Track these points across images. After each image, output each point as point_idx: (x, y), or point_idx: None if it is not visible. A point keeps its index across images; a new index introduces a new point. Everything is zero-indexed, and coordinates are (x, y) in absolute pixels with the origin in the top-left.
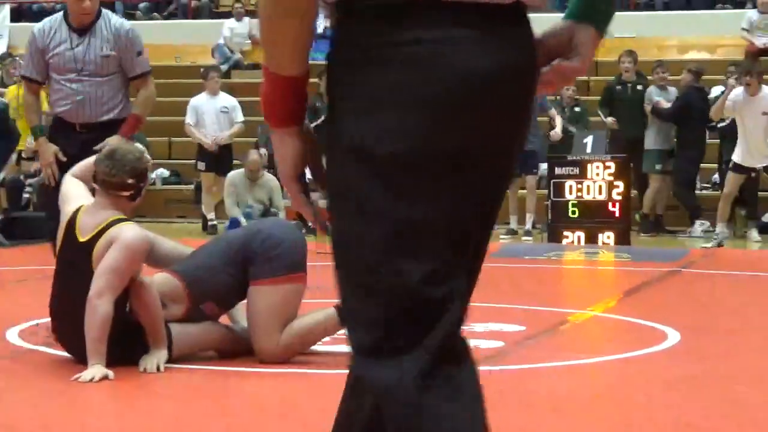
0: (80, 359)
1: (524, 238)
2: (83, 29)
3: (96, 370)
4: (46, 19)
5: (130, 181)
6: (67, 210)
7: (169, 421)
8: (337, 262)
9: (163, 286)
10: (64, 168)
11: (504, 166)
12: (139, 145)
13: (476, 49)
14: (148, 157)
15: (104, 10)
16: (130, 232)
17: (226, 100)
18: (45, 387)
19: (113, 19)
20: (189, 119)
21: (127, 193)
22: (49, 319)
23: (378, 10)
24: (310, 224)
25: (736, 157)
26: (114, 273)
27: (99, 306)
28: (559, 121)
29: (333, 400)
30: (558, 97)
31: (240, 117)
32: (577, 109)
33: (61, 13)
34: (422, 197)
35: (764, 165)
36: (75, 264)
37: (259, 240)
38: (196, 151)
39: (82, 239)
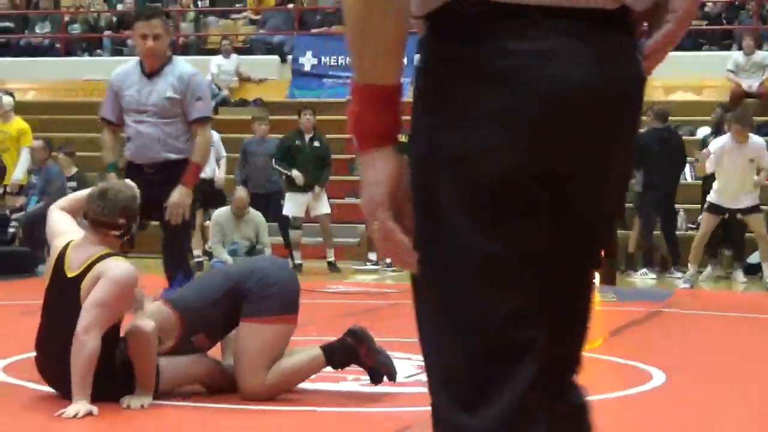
0: (64, 394)
1: None
2: (152, 72)
3: (80, 405)
4: (124, 64)
5: (121, 221)
6: (56, 245)
7: None
8: (421, 298)
9: (155, 315)
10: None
11: (612, 197)
12: (130, 182)
13: (579, 61)
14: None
15: (175, 57)
16: (117, 267)
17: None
18: (28, 423)
19: (181, 65)
20: None
21: (117, 233)
22: (33, 354)
23: (471, 21)
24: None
25: (713, 197)
26: (102, 308)
27: (86, 342)
28: None
29: None
30: None
31: (223, 152)
32: None
33: (137, 58)
34: (514, 225)
35: (741, 207)
36: (62, 299)
37: (255, 278)
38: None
39: (70, 274)
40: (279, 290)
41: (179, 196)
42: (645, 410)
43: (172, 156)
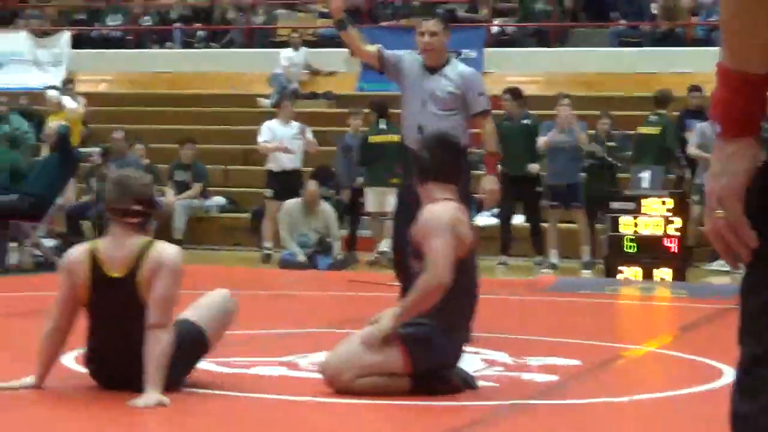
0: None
1: (583, 272)
2: (433, 68)
3: (154, 396)
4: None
5: (135, 207)
6: (70, 252)
7: None
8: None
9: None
10: None
11: None
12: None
13: None
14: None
15: (453, 59)
16: (169, 255)
17: (296, 127)
18: (100, 413)
19: (460, 66)
20: (264, 137)
21: (134, 220)
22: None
23: None
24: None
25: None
26: (170, 301)
27: (162, 336)
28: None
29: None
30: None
31: (311, 136)
32: (611, 143)
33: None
34: None
35: None
36: (113, 299)
37: None
38: (265, 178)
39: (115, 275)
40: None
41: (492, 183)
42: (715, 407)
43: None
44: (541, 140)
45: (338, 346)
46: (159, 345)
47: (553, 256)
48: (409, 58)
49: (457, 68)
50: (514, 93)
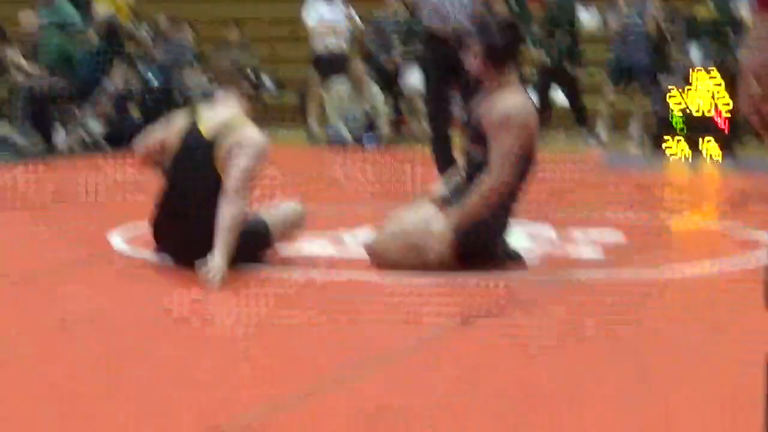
0: (182, 258)
1: (633, 147)
2: None
3: (221, 261)
4: None
5: (244, 83)
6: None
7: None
8: None
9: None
10: None
11: None
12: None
13: None
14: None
15: None
16: (256, 135)
17: (341, 6)
18: (150, 293)
19: None
20: (311, 18)
21: (238, 88)
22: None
23: None
24: None
25: None
26: (247, 173)
27: (238, 201)
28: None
29: None
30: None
31: (359, 21)
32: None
33: None
34: None
35: None
36: (196, 159)
37: None
38: (311, 58)
39: (206, 136)
40: None
41: None
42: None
43: None
44: (612, 23)
45: (385, 225)
46: (233, 209)
47: (602, 131)
48: None
49: None
50: None
